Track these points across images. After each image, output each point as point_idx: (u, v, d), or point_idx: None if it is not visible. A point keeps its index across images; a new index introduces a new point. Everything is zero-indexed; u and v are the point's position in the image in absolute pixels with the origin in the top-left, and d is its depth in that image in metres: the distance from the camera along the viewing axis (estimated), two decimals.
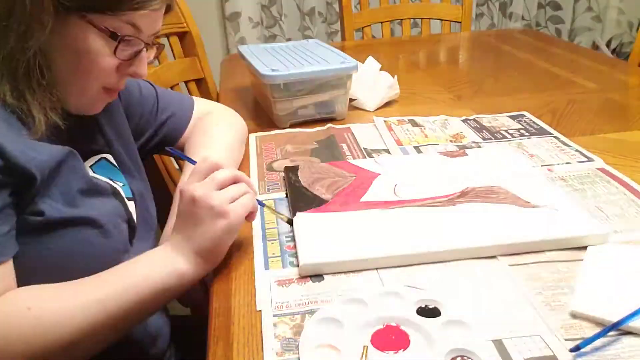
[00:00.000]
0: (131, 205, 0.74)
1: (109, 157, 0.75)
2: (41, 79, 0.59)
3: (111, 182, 0.72)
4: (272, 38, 2.53)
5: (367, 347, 0.51)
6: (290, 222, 0.72)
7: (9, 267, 0.57)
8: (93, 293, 0.58)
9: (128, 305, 0.58)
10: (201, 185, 0.63)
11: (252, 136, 1.04)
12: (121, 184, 0.74)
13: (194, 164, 0.67)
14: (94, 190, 0.67)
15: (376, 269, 0.64)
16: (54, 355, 0.55)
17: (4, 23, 0.56)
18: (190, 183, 0.64)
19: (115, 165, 0.76)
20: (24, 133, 0.59)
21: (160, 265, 0.61)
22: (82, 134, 0.70)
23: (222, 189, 0.64)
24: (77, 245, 0.61)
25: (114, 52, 0.62)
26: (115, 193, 0.71)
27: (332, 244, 0.66)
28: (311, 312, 0.57)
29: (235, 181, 0.65)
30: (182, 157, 0.76)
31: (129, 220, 0.72)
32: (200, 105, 0.96)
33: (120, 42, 0.61)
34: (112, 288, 0.58)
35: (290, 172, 0.85)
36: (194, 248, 0.62)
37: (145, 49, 0.66)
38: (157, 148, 0.90)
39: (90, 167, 0.71)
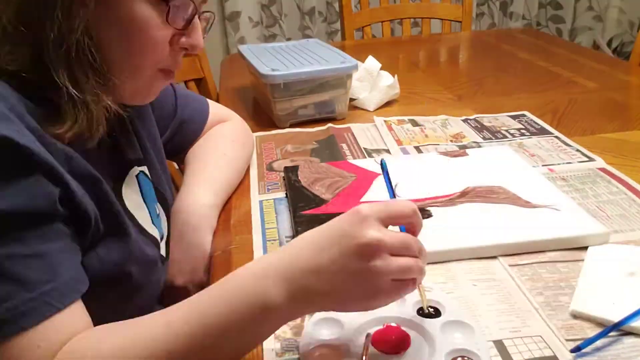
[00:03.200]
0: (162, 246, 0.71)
1: (145, 169, 0.70)
2: (93, 61, 0.52)
3: (155, 237, 0.68)
4: (272, 38, 2.53)
5: (368, 347, 0.51)
6: (427, 314, 0.54)
7: (79, 307, 0.50)
8: (158, 337, 0.46)
9: (195, 351, 0.46)
10: (385, 249, 0.44)
11: (252, 136, 1.04)
12: (157, 213, 0.70)
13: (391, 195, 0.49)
14: (142, 255, 0.62)
15: None
16: None
17: (45, 3, 0.50)
18: (373, 219, 0.45)
19: (150, 179, 0.71)
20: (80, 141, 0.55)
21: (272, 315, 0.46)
22: (122, 141, 0.65)
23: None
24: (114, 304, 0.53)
25: (166, 19, 0.55)
26: (160, 257, 0.68)
27: None
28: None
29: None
30: (387, 185, 0.52)
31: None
32: (214, 110, 0.91)
33: (171, 6, 0.55)
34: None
35: (290, 172, 0.85)
36: (321, 303, 0.47)
37: (197, 15, 0.59)
38: (167, 155, 0.84)
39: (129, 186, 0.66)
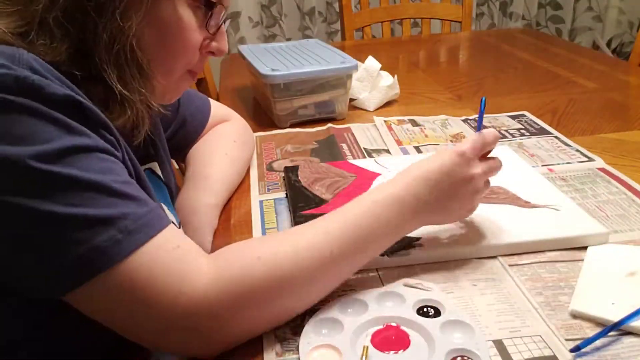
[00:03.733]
0: None
1: (154, 165, 0.71)
2: (141, 62, 0.55)
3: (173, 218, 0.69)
4: (272, 38, 2.53)
5: (367, 347, 0.51)
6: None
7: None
8: (319, 233, 0.56)
9: (348, 246, 0.56)
10: (483, 174, 0.63)
11: (253, 136, 1.04)
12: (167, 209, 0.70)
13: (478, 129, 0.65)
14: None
15: (376, 269, 0.64)
16: (289, 300, 0.54)
17: (102, 3, 0.51)
18: (474, 159, 0.62)
19: (160, 177, 0.72)
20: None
21: (392, 211, 0.59)
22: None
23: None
24: None
25: (206, 24, 0.59)
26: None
27: None
28: (311, 312, 0.57)
29: None
30: (480, 119, 0.68)
31: None
32: (215, 109, 0.92)
33: (213, 12, 0.58)
34: (337, 227, 0.56)
35: (290, 172, 0.85)
36: (428, 216, 0.61)
37: (224, 22, 0.62)
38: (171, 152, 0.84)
39: None
